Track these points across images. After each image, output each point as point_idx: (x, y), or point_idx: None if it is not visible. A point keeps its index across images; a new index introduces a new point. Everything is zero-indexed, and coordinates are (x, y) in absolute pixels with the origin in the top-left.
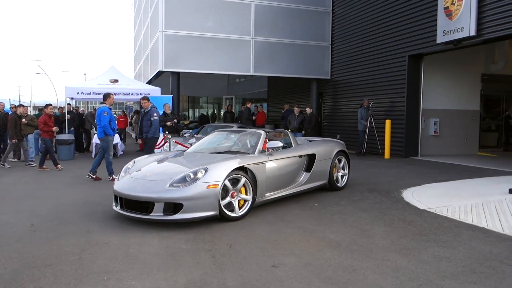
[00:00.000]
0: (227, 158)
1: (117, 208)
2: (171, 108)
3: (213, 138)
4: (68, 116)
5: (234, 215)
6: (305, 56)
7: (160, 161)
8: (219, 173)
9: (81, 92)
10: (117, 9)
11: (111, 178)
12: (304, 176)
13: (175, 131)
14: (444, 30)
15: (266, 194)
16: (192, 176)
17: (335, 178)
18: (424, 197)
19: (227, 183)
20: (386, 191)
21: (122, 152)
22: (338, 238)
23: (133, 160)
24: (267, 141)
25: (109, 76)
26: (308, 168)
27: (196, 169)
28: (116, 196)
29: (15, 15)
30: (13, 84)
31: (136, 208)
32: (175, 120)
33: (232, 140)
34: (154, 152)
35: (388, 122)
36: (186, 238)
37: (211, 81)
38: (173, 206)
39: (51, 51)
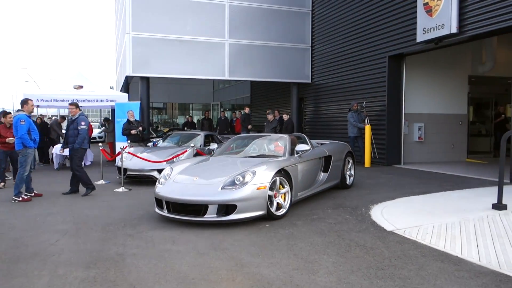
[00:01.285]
0: (267, 162)
1: (164, 212)
2: (139, 115)
3: (239, 143)
4: None
5: (280, 213)
6: (284, 59)
7: (197, 166)
8: (266, 175)
9: (41, 100)
10: (108, 14)
11: (16, 199)
12: (322, 176)
13: (141, 140)
14: (424, 28)
15: (298, 194)
16: (241, 179)
17: (345, 177)
18: (395, 214)
19: (272, 184)
20: (354, 207)
21: (90, 162)
22: (273, 275)
23: (169, 167)
24: (293, 144)
25: (74, 82)
26: (325, 169)
27: (242, 172)
28: (159, 201)
29: (5, 21)
30: (6, 93)
31: (184, 211)
32: (140, 128)
33: (259, 145)
34: (81, 164)
35: (368, 128)
36: (83, 277)
37: (197, 88)
38: (225, 208)
39: (42, 59)
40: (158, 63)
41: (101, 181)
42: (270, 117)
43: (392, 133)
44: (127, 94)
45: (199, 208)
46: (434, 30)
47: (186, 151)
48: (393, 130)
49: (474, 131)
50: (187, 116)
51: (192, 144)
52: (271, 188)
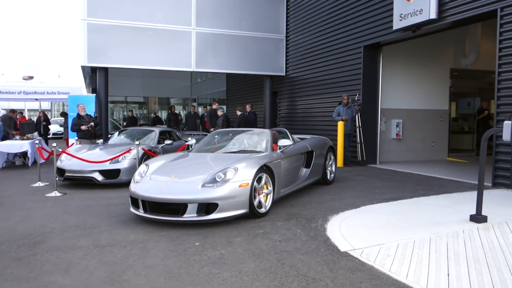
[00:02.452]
0: (248, 158)
1: (140, 212)
2: (94, 109)
3: (218, 138)
4: None
5: (263, 210)
6: (257, 50)
7: (174, 162)
8: (248, 172)
9: None
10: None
11: None
12: (305, 172)
13: (93, 136)
14: (401, 14)
15: (281, 190)
16: (222, 176)
17: (327, 173)
18: (356, 228)
19: (257, 181)
20: (310, 218)
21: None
22: None
23: (144, 164)
24: (275, 140)
25: (24, 72)
26: (307, 165)
27: (223, 169)
28: (134, 200)
29: None
30: None
31: (162, 211)
32: (92, 124)
33: (239, 140)
34: None
35: (340, 124)
36: None
37: (175, 82)
38: (206, 207)
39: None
40: (117, 53)
41: (38, 183)
42: (220, 112)
43: (368, 130)
44: (81, 86)
45: (178, 207)
46: (411, 16)
47: (129, 150)
48: (368, 126)
49: (456, 128)
50: (170, 106)
51: (137, 142)
52: (255, 185)
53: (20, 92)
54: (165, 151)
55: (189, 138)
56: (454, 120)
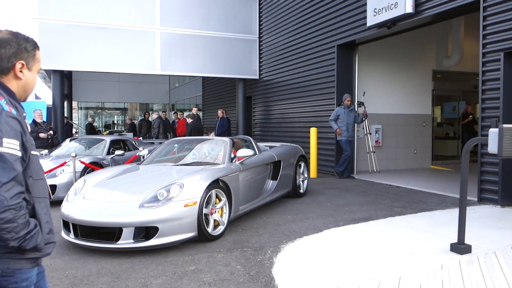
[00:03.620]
0: (199, 171)
1: (70, 237)
2: (46, 116)
3: (172, 148)
4: None
5: (217, 233)
6: (228, 51)
7: (117, 178)
8: (196, 188)
9: None
10: None
11: None
12: (271, 184)
13: (50, 145)
14: (375, 9)
15: (240, 208)
16: (165, 193)
17: (298, 184)
18: (310, 263)
19: (205, 199)
20: (258, 248)
21: None
22: None
23: (82, 178)
24: (237, 149)
25: None
26: (274, 176)
27: (168, 185)
28: (66, 222)
29: None
30: None
31: (95, 235)
32: (51, 132)
33: (195, 150)
34: None
35: (313, 131)
36: None
37: (153, 86)
38: (145, 231)
39: None
40: (73, 55)
41: None
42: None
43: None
44: (33, 92)
45: (114, 231)
46: (386, 11)
47: (64, 163)
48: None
49: (441, 133)
50: (144, 112)
51: (73, 154)
52: (206, 204)
53: None
54: (116, 163)
55: (141, 148)
56: (439, 125)
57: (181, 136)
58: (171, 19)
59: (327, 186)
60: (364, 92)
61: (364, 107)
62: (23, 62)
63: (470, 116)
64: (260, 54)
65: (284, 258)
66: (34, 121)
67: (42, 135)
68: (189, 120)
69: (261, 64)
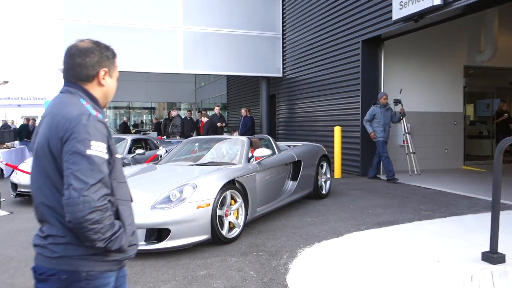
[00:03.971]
0: (214, 171)
1: None
2: None
3: (190, 147)
4: None
5: (232, 235)
6: (250, 49)
7: (132, 177)
8: (210, 189)
9: None
10: None
11: None
12: (291, 185)
13: None
14: (401, 2)
15: (257, 209)
16: (178, 194)
17: (319, 185)
18: (327, 270)
19: (220, 200)
20: (274, 252)
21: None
22: None
23: None
24: (255, 148)
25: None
26: (294, 177)
27: (181, 186)
28: None
29: None
30: None
31: None
32: None
33: (213, 149)
34: None
35: (337, 129)
36: None
37: (179, 85)
38: (157, 232)
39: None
40: None
41: None
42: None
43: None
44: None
45: None
46: (413, 3)
47: None
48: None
49: (474, 132)
50: (168, 112)
51: None
52: (220, 205)
53: None
54: (136, 162)
55: (161, 147)
56: (471, 124)
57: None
58: (193, 18)
59: (351, 187)
60: (401, 90)
61: (402, 105)
62: (106, 69)
63: (505, 114)
64: (283, 51)
65: (300, 264)
66: None
67: None
68: (205, 120)
69: (284, 62)
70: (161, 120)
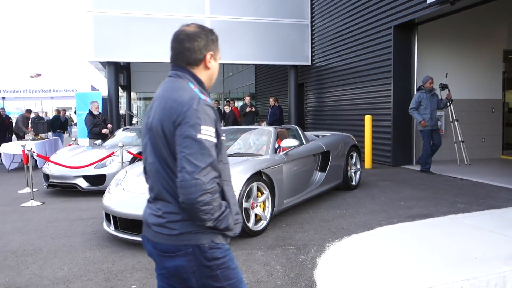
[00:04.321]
0: (240, 163)
1: (110, 229)
2: (101, 107)
3: None
4: None
5: (259, 227)
6: (278, 37)
7: None
8: (235, 181)
9: None
10: None
11: None
12: (319, 176)
13: (104, 137)
14: None
15: (284, 201)
16: None
17: (349, 176)
18: (357, 267)
19: (245, 192)
20: (301, 246)
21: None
22: None
23: (124, 169)
24: (282, 139)
25: (33, 69)
26: (322, 168)
27: None
28: (107, 214)
29: None
30: None
31: (134, 228)
32: (110, 126)
33: (240, 140)
34: None
35: (367, 119)
36: None
37: None
38: None
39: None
40: (126, 46)
41: (26, 189)
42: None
43: (401, 125)
44: (90, 83)
45: None
46: None
47: (112, 153)
48: (401, 120)
49: None
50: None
51: (121, 144)
52: (246, 198)
53: (26, 90)
54: None
55: None
56: (511, 111)
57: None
58: (220, 7)
59: (382, 178)
60: (447, 73)
61: (449, 90)
62: (211, 52)
63: None
64: (312, 39)
65: (329, 259)
66: (90, 113)
67: (105, 131)
68: (227, 109)
69: (313, 50)
70: None
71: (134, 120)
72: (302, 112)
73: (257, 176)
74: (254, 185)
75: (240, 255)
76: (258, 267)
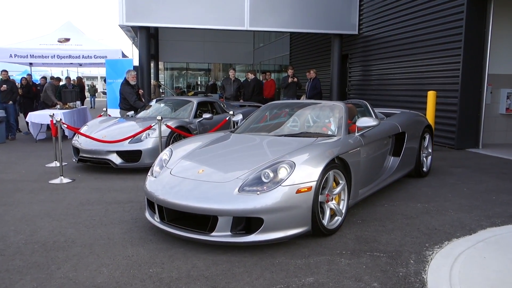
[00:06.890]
0: (312, 146)
1: (155, 221)
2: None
3: (271, 114)
4: (5, 86)
5: (334, 225)
6: (323, 3)
7: (208, 148)
8: (310, 169)
9: (15, 55)
10: None
11: None
12: (392, 162)
13: (135, 108)
14: None
15: (360, 192)
16: (271, 175)
17: (421, 161)
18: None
19: (321, 183)
20: (393, 253)
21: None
22: None
23: (169, 148)
24: (350, 117)
25: (61, 34)
26: (395, 152)
27: (274, 164)
28: (151, 202)
29: None
30: None
31: (184, 221)
32: (142, 91)
33: (302, 117)
34: None
35: (431, 95)
36: None
37: (237, 46)
38: (246, 222)
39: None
40: (159, 10)
41: (54, 163)
42: (232, 74)
43: (467, 103)
44: (120, 49)
45: (207, 218)
46: None
47: (149, 127)
48: (468, 98)
49: None
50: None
51: (159, 117)
52: (321, 189)
53: (54, 56)
54: (203, 127)
55: (231, 112)
56: None
57: (268, 98)
58: None
59: (450, 163)
60: None
61: None
62: None
63: None
64: (360, 5)
65: (440, 276)
66: (127, 82)
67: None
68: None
69: (361, 18)
70: (218, 82)
71: (162, 91)
72: (344, 86)
73: (333, 162)
74: (331, 173)
75: (320, 263)
76: (349, 283)
